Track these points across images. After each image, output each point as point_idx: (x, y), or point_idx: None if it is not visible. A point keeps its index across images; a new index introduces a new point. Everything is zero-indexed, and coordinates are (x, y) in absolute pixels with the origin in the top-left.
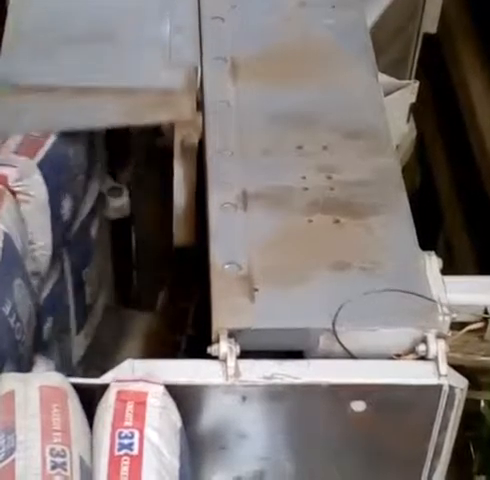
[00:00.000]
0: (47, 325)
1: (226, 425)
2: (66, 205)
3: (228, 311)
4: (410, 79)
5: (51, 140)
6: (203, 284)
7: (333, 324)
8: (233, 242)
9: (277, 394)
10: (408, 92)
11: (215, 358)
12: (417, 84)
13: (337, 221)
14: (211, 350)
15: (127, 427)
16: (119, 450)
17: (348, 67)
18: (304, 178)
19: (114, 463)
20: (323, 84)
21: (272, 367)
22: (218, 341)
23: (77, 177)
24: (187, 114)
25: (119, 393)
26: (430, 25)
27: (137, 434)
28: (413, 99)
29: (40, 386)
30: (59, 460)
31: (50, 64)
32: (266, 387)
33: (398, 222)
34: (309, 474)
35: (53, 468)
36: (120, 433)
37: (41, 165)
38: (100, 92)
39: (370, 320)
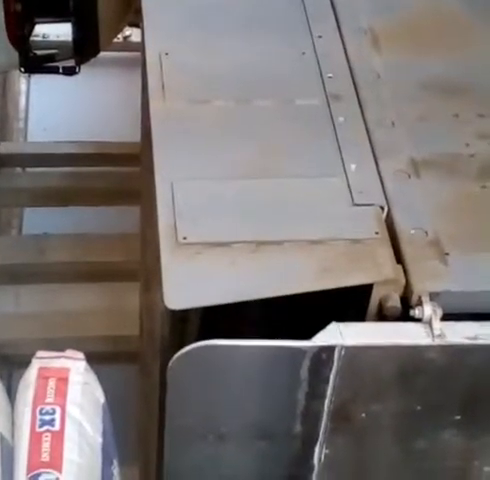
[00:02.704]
0: None
1: (419, 384)
2: None
3: (425, 275)
4: None
5: None
6: None
7: None
8: (414, 208)
9: (475, 354)
10: None
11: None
12: None
13: None
14: (414, 313)
15: (48, 403)
16: (40, 426)
17: (487, 35)
18: (468, 145)
19: (35, 439)
20: (466, 52)
21: (474, 328)
22: (420, 304)
23: None
24: (387, 271)
25: (41, 370)
26: None
27: (58, 410)
28: None
29: None
30: None
31: (219, 215)
32: (468, 347)
33: None
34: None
35: None
36: (41, 409)
37: None
38: (283, 248)
39: None
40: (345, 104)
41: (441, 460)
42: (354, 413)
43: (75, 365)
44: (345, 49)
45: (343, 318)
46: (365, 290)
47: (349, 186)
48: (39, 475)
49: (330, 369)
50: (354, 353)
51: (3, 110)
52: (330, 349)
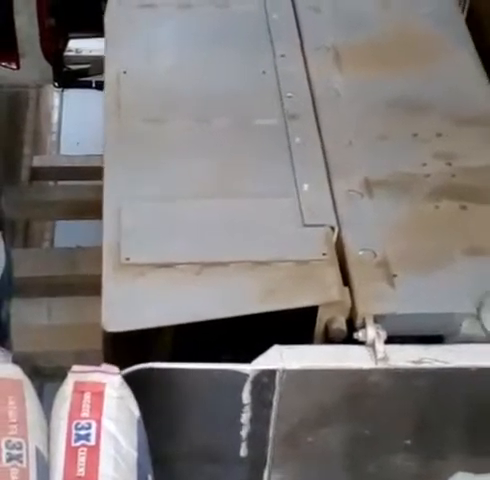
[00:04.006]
0: (4, 309)
1: (366, 408)
2: None
3: (371, 297)
4: None
5: None
6: None
7: (478, 309)
8: (364, 229)
9: (421, 378)
10: None
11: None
12: None
13: (464, 207)
14: (358, 335)
15: (84, 418)
16: (76, 441)
17: (450, 54)
18: (424, 165)
19: (71, 454)
20: (428, 71)
21: (419, 352)
22: (364, 327)
23: None
24: (333, 293)
25: (76, 384)
26: None
27: (94, 425)
28: None
29: None
30: (15, 452)
31: (165, 235)
32: (413, 371)
33: None
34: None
35: (9, 460)
36: (77, 424)
37: None
38: (229, 269)
39: None
40: (303, 124)
41: None
42: (301, 438)
43: (110, 380)
44: (307, 68)
45: (295, 340)
46: (313, 312)
47: (300, 206)
48: None
49: (273, 393)
50: (296, 377)
51: (36, 124)
52: (271, 373)
